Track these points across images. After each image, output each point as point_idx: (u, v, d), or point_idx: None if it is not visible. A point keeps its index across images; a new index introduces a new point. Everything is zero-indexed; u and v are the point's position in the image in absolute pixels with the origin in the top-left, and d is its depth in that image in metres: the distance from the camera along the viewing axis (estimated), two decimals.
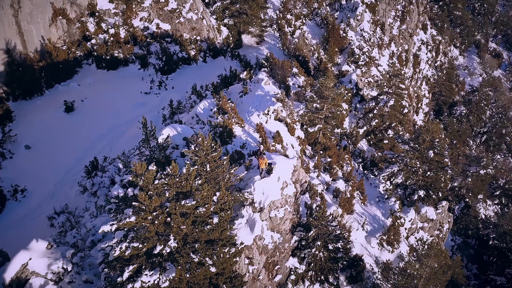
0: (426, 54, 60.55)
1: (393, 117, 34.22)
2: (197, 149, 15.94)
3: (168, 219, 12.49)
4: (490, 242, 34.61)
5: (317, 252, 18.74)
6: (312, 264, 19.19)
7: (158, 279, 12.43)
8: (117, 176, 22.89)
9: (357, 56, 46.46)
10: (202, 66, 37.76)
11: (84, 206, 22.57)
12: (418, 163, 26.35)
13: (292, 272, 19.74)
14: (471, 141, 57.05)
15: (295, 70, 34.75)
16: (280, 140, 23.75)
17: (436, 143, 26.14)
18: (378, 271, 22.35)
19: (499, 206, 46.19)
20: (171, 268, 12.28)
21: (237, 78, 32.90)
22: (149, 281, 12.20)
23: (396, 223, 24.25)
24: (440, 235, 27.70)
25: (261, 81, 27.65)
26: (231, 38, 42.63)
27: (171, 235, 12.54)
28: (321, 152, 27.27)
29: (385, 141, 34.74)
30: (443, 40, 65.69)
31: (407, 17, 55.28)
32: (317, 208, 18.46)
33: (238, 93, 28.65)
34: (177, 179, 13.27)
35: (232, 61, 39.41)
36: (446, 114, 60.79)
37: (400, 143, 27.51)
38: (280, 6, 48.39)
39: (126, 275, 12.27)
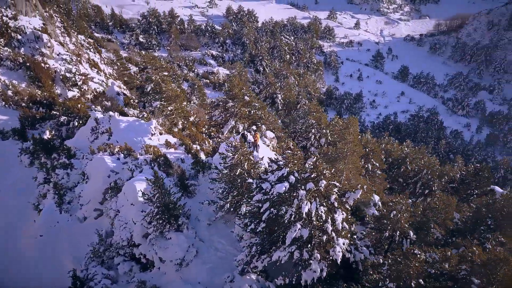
0: (94, 54, 65.80)
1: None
2: (240, 150, 19.58)
3: None
4: None
5: None
6: None
7: None
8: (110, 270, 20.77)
9: (73, 78, 47.40)
10: None
11: None
12: (243, 109, 35.81)
13: None
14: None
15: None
16: (189, 142, 27.37)
17: (243, 91, 36.12)
18: None
19: None
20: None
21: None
22: None
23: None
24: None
25: (113, 116, 28.03)
26: None
27: None
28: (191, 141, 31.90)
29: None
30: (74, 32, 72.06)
31: (69, 29, 57.99)
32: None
33: (93, 140, 27.86)
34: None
35: None
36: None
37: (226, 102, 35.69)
38: None
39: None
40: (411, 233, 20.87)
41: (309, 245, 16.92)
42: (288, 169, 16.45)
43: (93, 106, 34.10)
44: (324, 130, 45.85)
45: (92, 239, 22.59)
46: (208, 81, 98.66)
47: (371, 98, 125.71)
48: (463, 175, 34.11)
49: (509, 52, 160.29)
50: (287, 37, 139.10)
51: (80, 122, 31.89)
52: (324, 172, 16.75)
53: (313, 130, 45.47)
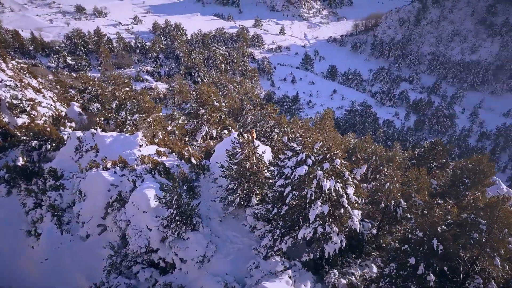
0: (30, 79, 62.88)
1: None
2: (247, 145, 21.14)
3: None
4: None
5: None
6: None
7: None
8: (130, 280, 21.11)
9: (20, 105, 45.55)
10: None
11: None
12: (214, 114, 37.08)
13: None
14: None
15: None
16: (180, 149, 28.19)
17: (212, 97, 37.41)
18: None
19: None
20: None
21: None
22: None
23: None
24: None
25: (97, 133, 27.92)
26: None
27: None
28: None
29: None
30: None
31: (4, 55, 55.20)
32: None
33: (77, 159, 27.55)
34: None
35: None
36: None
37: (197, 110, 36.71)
38: None
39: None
40: (402, 202, 23.65)
41: (330, 220, 18.85)
42: (306, 153, 18.28)
43: (62, 128, 33.35)
44: (285, 129, 48.38)
45: (100, 255, 22.63)
46: (149, 96, 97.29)
47: (307, 98, 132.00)
48: (421, 151, 38.22)
49: (420, 45, 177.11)
50: (219, 47, 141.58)
51: (53, 144, 31.19)
52: (336, 152, 18.83)
53: (275, 129, 47.84)
